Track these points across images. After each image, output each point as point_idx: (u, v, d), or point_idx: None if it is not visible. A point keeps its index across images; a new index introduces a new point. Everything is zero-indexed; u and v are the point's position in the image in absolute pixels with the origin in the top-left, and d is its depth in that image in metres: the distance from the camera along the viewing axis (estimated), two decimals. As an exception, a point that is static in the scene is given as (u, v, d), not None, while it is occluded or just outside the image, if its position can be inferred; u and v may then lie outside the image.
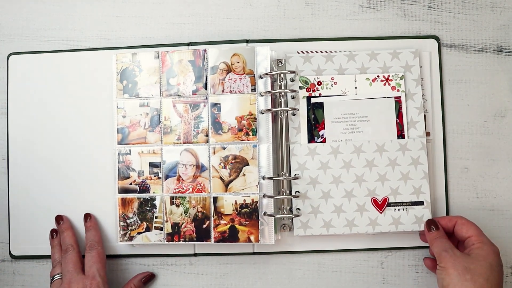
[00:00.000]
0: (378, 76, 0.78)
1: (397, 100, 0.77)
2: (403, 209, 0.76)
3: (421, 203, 0.76)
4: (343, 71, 0.78)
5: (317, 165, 0.77)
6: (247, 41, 0.79)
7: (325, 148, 0.77)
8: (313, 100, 0.78)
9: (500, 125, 0.79)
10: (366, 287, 0.79)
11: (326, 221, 0.76)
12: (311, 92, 0.78)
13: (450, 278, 0.66)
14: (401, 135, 0.77)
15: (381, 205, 0.76)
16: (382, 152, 0.77)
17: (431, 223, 0.73)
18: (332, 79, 0.78)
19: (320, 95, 0.78)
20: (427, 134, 0.78)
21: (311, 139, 0.77)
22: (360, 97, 0.78)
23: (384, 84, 0.78)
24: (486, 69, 0.80)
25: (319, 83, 0.78)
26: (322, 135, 0.78)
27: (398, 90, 0.77)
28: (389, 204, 0.76)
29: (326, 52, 0.79)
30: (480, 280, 0.64)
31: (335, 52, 0.79)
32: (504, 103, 0.79)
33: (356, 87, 0.78)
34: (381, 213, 0.76)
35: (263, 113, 0.75)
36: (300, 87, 0.78)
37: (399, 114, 0.77)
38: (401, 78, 0.77)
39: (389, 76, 0.78)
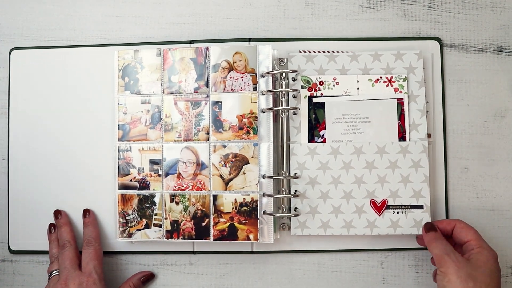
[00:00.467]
0: (380, 77, 0.77)
1: (399, 102, 0.76)
2: (402, 212, 0.75)
3: (421, 206, 0.75)
4: (346, 71, 0.77)
5: (316, 165, 0.76)
6: (249, 40, 0.80)
7: (325, 148, 0.76)
8: (315, 100, 0.77)
9: (500, 125, 0.79)
10: (366, 287, 0.78)
11: (324, 221, 0.76)
12: (313, 91, 0.77)
13: (453, 286, 0.64)
14: (402, 137, 0.76)
15: (379, 207, 0.75)
16: (383, 154, 0.76)
17: (429, 226, 0.72)
18: (334, 79, 0.77)
19: (321, 95, 0.77)
20: (428, 135, 0.77)
21: (311, 139, 0.77)
22: (362, 98, 0.77)
23: (387, 86, 0.77)
24: (486, 69, 0.80)
25: (321, 83, 0.77)
26: (323, 135, 0.77)
27: (400, 92, 0.76)
28: (388, 207, 0.75)
29: (328, 52, 0.79)
30: None
31: (338, 52, 0.78)
32: (504, 103, 0.79)
33: (358, 88, 0.77)
34: (379, 215, 0.75)
35: (264, 112, 0.75)
36: (302, 87, 0.77)
37: (401, 116, 0.76)
38: (404, 80, 0.76)
39: (392, 77, 0.77)
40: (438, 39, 0.79)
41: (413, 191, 0.75)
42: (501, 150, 0.79)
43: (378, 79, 0.77)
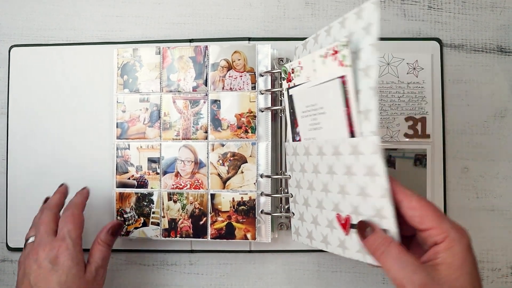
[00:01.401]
0: (328, 50, 0.55)
1: (343, 81, 0.54)
2: None
3: (385, 231, 0.51)
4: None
5: (297, 167, 0.66)
6: (249, 39, 0.79)
7: (300, 147, 0.64)
8: (290, 92, 0.65)
9: (500, 125, 0.79)
10: (366, 287, 0.78)
11: (308, 231, 0.64)
12: (289, 83, 0.65)
13: None
14: (353, 132, 0.54)
15: (344, 224, 0.56)
16: (339, 155, 0.56)
17: (363, 226, 0.52)
18: (299, 63, 0.61)
19: (294, 85, 0.63)
20: (427, 136, 0.76)
21: (294, 137, 0.67)
22: (315, 83, 0.58)
23: (335, 59, 0.54)
24: (486, 69, 0.79)
25: (293, 70, 0.63)
26: (299, 132, 0.65)
27: (342, 65, 0.53)
28: (352, 226, 0.55)
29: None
30: None
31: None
32: (504, 103, 0.79)
33: (314, 70, 0.58)
34: (347, 234, 0.56)
35: (262, 111, 0.75)
36: (282, 78, 0.68)
37: (346, 101, 0.54)
38: (345, 45, 0.52)
39: (336, 46, 0.54)
40: (438, 39, 0.79)
41: (373, 209, 0.52)
42: (501, 150, 0.79)
43: (326, 54, 0.55)
